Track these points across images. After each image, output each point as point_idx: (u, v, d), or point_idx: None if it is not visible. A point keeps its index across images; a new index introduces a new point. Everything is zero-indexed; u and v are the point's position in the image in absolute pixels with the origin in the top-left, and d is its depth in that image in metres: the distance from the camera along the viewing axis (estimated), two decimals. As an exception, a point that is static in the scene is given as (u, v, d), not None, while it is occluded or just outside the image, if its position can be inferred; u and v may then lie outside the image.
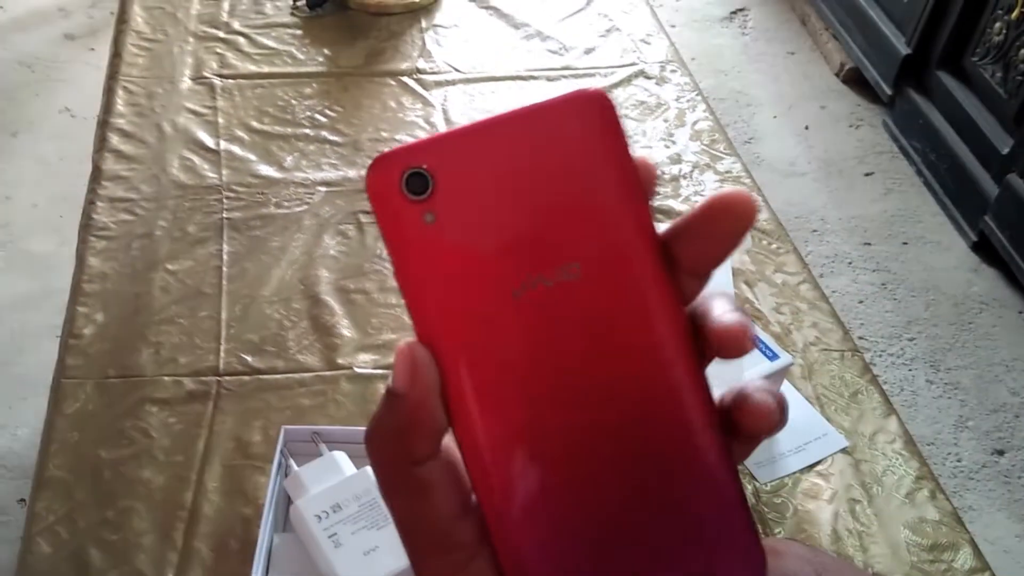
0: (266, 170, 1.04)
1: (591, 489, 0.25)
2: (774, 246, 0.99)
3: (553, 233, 0.25)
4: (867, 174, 2.25)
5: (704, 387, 0.26)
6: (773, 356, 0.79)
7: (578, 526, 0.25)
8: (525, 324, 0.25)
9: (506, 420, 0.25)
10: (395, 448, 0.25)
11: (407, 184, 0.25)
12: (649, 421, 0.26)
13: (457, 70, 1.22)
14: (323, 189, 1.02)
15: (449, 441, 0.26)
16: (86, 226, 0.96)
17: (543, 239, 0.25)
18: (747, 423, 0.26)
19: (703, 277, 0.26)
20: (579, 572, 0.25)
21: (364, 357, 0.85)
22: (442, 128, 1.12)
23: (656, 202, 1.03)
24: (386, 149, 0.98)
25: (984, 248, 2.02)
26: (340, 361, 0.84)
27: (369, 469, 0.69)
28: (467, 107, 1.16)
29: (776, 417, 0.26)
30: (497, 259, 0.25)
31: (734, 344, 0.25)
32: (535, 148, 0.25)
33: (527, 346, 0.25)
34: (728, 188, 0.25)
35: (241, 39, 1.23)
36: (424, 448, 0.25)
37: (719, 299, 0.26)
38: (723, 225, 0.25)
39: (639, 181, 0.25)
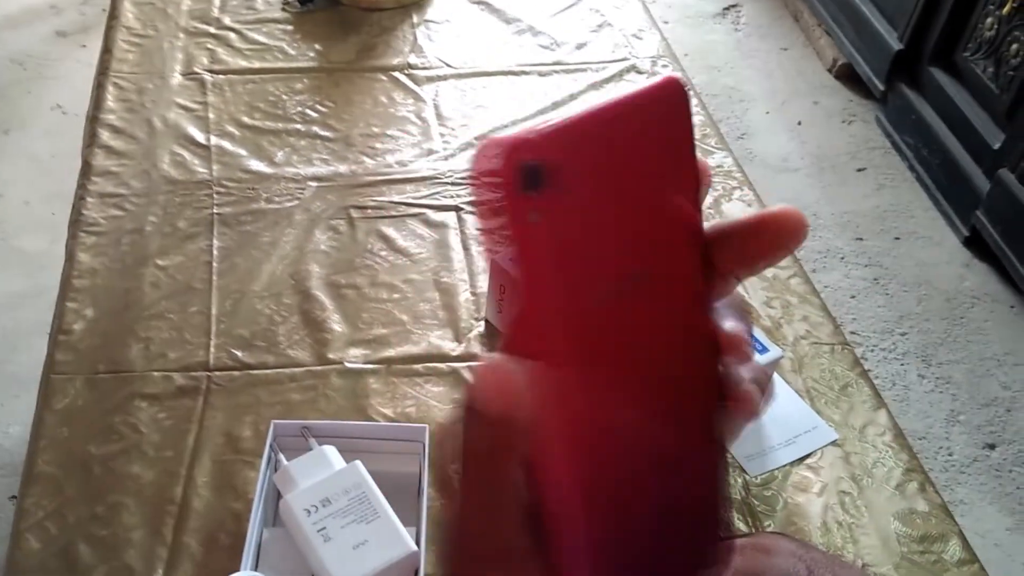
0: (257, 165, 1.04)
1: (642, 489, 0.26)
2: (765, 240, 0.99)
3: (644, 235, 0.24)
4: (859, 169, 2.25)
5: (718, 394, 0.26)
6: (763, 349, 0.79)
7: (629, 527, 0.26)
8: (613, 329, 0.24)
9: (593, 426, 0.24)
10: (492, 472, 0.24)
11: (522, 177, 0.22)
12: (680, 428, 0.26)
13: (448, 65, 1.22)
14: (314, 184, 1.02)
15: None
16: (76, 222, 0.95)
17: (636, 242, 0.24)
18: (732, 409, 0.26)
19: (737, 282, 0.26)
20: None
21: (355, 352, 0.84)
22: (433, 124, 1.12)
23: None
24: (378, 145, 0.97)
25: (976, 243, 2.02)
26: (331, 356, 0.84)
27: (359, 463, 0.69)
28: (458, 102, 1.16)
29: (758, 409, 0.26)
30: (594, 264, 0.24)
31: (736, 352, 0.26)
32: (634, 144, 0.24)
33: (614, 351, 0.24)
34: (782, 206, 0.25)
35: (232, 35, 1.23)
36: (518, 472, 0.24)
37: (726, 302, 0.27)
38: (772, 241, 0.25)
39: (699, 177, 0.25)
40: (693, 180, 0.25)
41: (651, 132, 0.24)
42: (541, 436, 0.24)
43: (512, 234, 0.22)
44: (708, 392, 0.26)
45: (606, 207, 0.23)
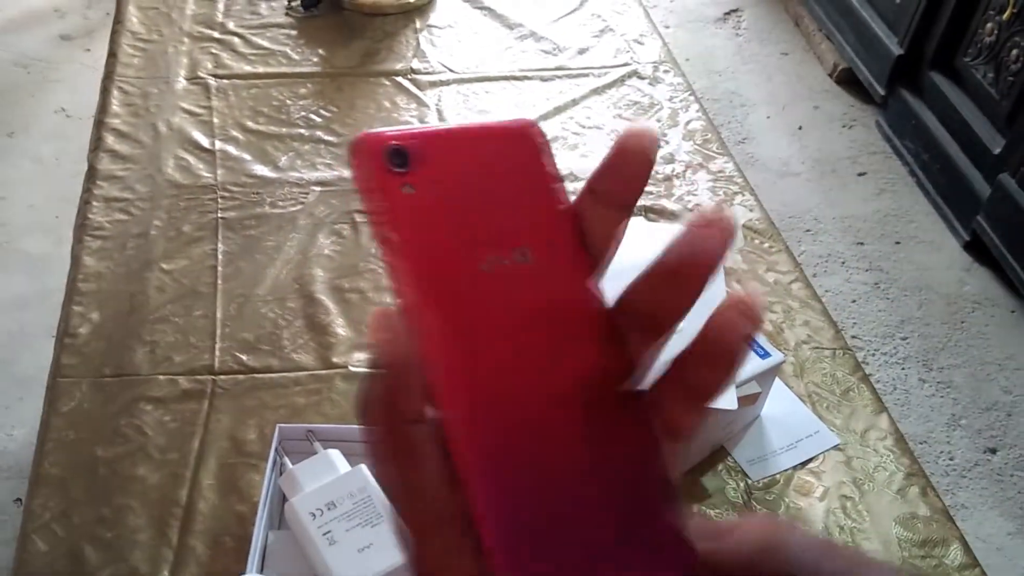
0: (261, 170, 1.04)
1: (547, 459, 0.27)
2: (766, 245, 1.00)
3: (513, 220, 0.29)
4: (860, 174, 2.26)
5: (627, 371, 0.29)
6: (764, 354, 0.79)
7: (539, 499, 0.26)
8: (489, 297, 0.27)
9: (474, 383, 0.26)
10: (385, 408, 0.26)
11: (389, 156, 0.27)
12: (580, 388, 0.28)
13: (451, 70, 1.22)
14: (318, 189, 1.02)
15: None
16: (81, 225, 0.96)
17: (506, 223, 0.28)
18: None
19: (626, 209, 0.29)
20: (543, 548, 0.26)
21: (359, 356, 0.85)
22: (436, 128, 1.12)
23: (649, 201, 1.04)
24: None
25: (976, 247, 2.02)
26: (335, 360, 0.84)
27: (364, 467, 0.70)
28: (461, 107, 1.16)
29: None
30: (465, 236, 0.28)
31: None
32: (487, 154, 0.29)
33: (491, 318, 0.27)
34: (633, 126, 0.28)
35: (236, 39, 1.24)
36: (413, 405, 0.26)
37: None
38: (632, 160, 0.28)
39: (562, 190, 0.29)
40: (557, 191, 0.29)
41: (509, 153, 0.29)
42: (433, 390, 0.26)
43: (387, 204, 0.26)
44: (609, 367, 0.28)
45: (471, 191, 0.28)
